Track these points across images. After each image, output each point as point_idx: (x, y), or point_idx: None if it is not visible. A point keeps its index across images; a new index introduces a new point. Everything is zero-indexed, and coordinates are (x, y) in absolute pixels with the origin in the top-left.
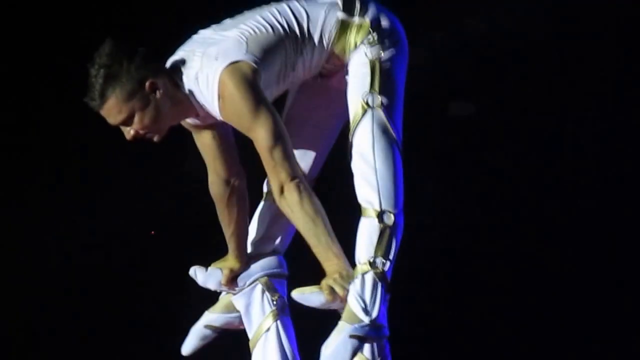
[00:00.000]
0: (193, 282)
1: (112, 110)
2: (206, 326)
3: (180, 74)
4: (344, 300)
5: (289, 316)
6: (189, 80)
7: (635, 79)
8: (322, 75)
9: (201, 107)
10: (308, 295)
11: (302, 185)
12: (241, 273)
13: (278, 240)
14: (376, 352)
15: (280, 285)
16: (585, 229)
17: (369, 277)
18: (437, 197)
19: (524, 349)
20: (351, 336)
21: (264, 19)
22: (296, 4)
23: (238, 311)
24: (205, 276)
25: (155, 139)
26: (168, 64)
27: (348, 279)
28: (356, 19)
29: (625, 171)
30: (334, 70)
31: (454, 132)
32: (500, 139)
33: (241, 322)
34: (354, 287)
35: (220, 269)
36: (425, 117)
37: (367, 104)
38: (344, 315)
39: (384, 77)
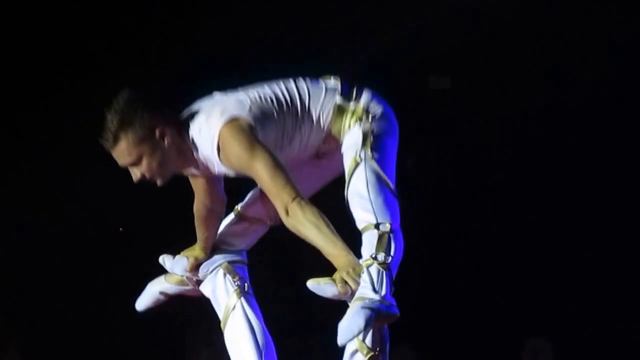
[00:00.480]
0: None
1: (123, 152)
2: (161, 292)
3: (188, 127)
4: (354, 293)
5: (252, 295)
6: (194, 133)
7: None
8: (318, 156)
9: (202, 161)
10: (322, 286)
11: (303, 202)
12: (204, 262)
13: (242, 246)
14: (377, 341)
15: (241, 270)
16: (559, 196)
17: (374, 268)
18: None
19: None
20: (363, 307)
21: (272, 90)
22: (303, 83)
23: (190, 285)
24: (172, 263)
25: (159, 182)
26: (179, 117)
27: (359, 272)
28: (352, 104)
29: (598, 143)
30: (329, 152)
31: (432, 104)
32: (476, 111)
33: (193, 292)
34: (362, 278)
35: (187, 257)
36: (407, 89)
37: (359, 157)
38: (355, 298)
39: (375, 139)
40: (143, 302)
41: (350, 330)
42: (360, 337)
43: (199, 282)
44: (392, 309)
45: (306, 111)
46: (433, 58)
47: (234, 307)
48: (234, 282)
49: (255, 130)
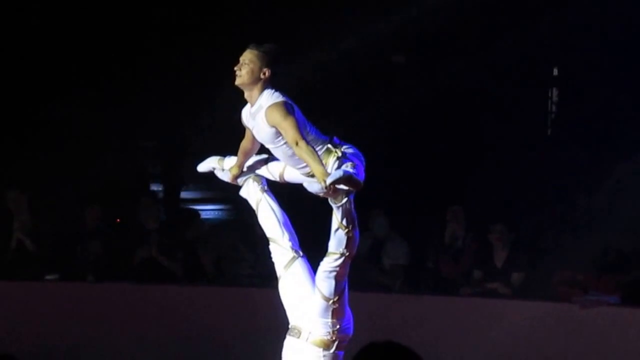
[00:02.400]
0: None
1: (247, 55)
2: (214, 168)
3: (269, 87)
4: (329, 190)
5: (271, 192)
6: (269, 90)
7: None
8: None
9: (256, 104)
10: (313, 183)
11: (304, 141)
12: (239, 175)
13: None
14: (350, 220)
15: (262, 179)
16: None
17: (349, 165)
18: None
19: None
20: (342, 168)
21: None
22: (319, 133)
23: (235, 180)
24: (221, 173)
25: (237, 81)
26: (275, 76)
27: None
28: (335, 149)
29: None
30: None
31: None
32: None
33: (233, 181)
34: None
35: (229, 171)
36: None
37: (335, 152)
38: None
39: (347, 150)
40: (201, 168)
41: (334, 176)
42: (339, 218)
43: (235, 179)
44: (361, 177)
45: (316, 142)
46: (393, 42)
47: (261, 200)
48: (259, 184)
49: (293, 110)
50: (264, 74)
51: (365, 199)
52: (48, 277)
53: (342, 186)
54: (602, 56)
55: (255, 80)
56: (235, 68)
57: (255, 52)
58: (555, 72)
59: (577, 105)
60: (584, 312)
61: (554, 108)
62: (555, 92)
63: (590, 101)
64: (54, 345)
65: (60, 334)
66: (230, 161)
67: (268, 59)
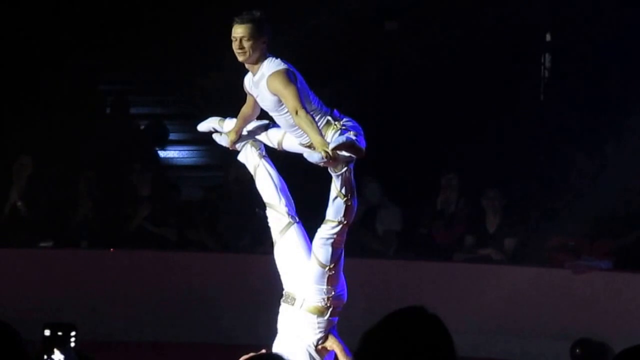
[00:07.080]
0: None
1: (242, 31)
2: (214, 129)
3: (269, 55)
4: (331, 160)
5: (268, 158)
6: (270, 59)
7: None
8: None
9: (258, 72)
10: (313, 153)
11: (304, 110)
12: (238, 140)
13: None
14: (349, 189)
15: (260, 144)
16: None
17: (351, 134)
18: None
19: None
20: (345, 134)
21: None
22: (322, 104)
23: (233, 145)
24: (219, 137)
25: (242, 58)
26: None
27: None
28: (335, 122)
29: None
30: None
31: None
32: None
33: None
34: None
35: (227, 135)
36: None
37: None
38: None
39: (347, 123)
40: (201, 128)
41: (337, 141)
42: (338, 187)
43: (233, 144)
44: (362, 145)
45: (317, 112)
46: (386, 9)
47: (258, 165)
48: (257, 149)
49: (296, 77)
50: (264, 42)
51: (358, 165)
52: (42, 244)
53: (344, 153)
54: (594, 21)
55: (255, 50)
56: (235, 47)
57: (250, 25)
58: (548, 37)
59: (570, 70)
60: (577, 277)
61: (546, 74)
62: (547, 57)
63: (582, 67)
64: (48, 312)
65: (54, 301)
66: (231, 123)
67: (264, 28)
